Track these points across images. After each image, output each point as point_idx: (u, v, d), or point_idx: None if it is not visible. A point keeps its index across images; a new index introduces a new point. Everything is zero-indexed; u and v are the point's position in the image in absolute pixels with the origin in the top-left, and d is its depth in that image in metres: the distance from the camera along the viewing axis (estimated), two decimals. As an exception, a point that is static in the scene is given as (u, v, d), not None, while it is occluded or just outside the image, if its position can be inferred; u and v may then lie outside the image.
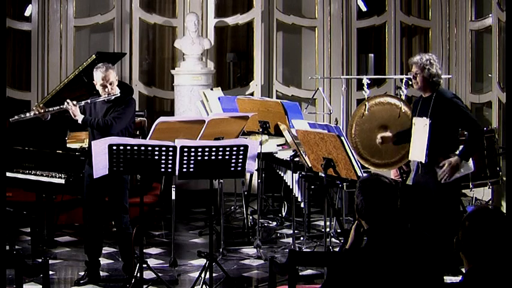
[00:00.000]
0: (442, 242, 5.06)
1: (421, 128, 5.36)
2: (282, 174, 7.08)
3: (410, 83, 7.73)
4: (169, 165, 4.88)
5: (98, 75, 5.58)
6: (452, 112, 5.31)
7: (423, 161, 5.35)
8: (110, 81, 5.57)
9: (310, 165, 5.71)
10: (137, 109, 6.01)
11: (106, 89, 5.57)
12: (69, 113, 5.61)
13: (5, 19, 5.18)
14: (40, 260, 3.91)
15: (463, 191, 7.73)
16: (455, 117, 5.32)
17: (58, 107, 5.66)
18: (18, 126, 6.41)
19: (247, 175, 7.62)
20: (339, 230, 6.66)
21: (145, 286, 5.40)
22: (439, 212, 5.34)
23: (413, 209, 5.48)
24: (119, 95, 5.62)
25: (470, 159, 5.40)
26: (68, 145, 6.33)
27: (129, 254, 5.61)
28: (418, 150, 5.40)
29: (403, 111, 6.54)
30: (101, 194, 5.61)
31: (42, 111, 5.66)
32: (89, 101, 5.63)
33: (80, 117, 5.57)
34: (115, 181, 5.47)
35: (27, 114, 5.71)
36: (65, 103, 5.60)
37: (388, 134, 5.90)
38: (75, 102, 5.60)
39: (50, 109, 5.68)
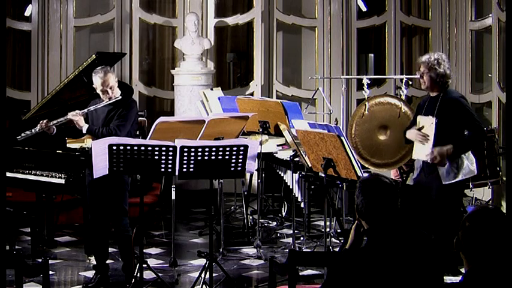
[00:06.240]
0: (442, 242, 5.07)
1: (427, 127, 5.37)
2: (282, 174, 7.07)
3: (410, 83, 7.74)
4: (169, 165, 4.88)
5: (97, 80, 5.56)
6: (457, 112, 5.31)
7: (428, 160, 5.35)
8: (110, 86, 5.54)
9: (310, 165, 5.71)
10: (138, 109, 6.00)
11: (107, 94, 5.56)
12: (74, 124, 5.61)
13: (5, 19, 5.18)
14: (40, 260, 3.91)
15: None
16: (460, 117, 5.32)
17: (62, 119, 5.65)
18: (18, 127, 6.44)
19: (247, 175, 7.62)
20: (339, 230, 6.66)
21: (145, 286, 5.40)
22: (440, 213, 5.34)
23: (413, 209, 5.48)
24: (120, 98, 5.61)
25: (474, 162, 5.41)
26: (68, 145, 6.32)
27: (129, 254, 5.60)
28: (423, 149, 5.40)
29: (403, 111, 6.55)
30: (103, 196, 5.57)
31: (46, 125, 5.64)
32: (92, 108, 5.62)
33: (84, 127, 5.57)
34: (115, 183, 5.45)
35: (33, 131, 5.69)
36: (69, 114, 5.60)
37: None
38: (78, 111, 5.61)
39: (54, 122, 5.66)
